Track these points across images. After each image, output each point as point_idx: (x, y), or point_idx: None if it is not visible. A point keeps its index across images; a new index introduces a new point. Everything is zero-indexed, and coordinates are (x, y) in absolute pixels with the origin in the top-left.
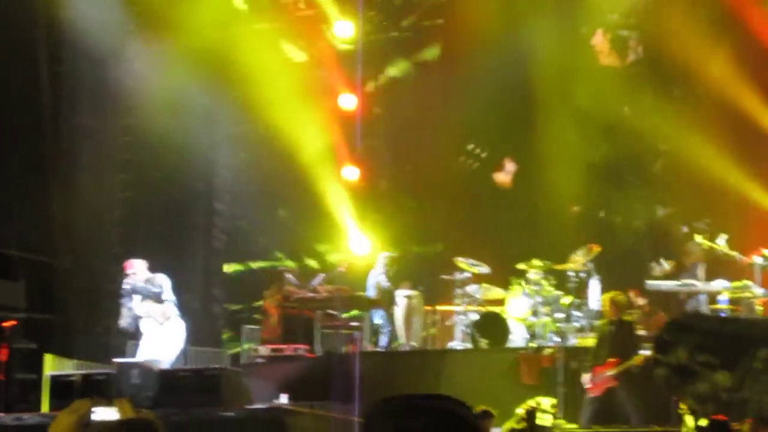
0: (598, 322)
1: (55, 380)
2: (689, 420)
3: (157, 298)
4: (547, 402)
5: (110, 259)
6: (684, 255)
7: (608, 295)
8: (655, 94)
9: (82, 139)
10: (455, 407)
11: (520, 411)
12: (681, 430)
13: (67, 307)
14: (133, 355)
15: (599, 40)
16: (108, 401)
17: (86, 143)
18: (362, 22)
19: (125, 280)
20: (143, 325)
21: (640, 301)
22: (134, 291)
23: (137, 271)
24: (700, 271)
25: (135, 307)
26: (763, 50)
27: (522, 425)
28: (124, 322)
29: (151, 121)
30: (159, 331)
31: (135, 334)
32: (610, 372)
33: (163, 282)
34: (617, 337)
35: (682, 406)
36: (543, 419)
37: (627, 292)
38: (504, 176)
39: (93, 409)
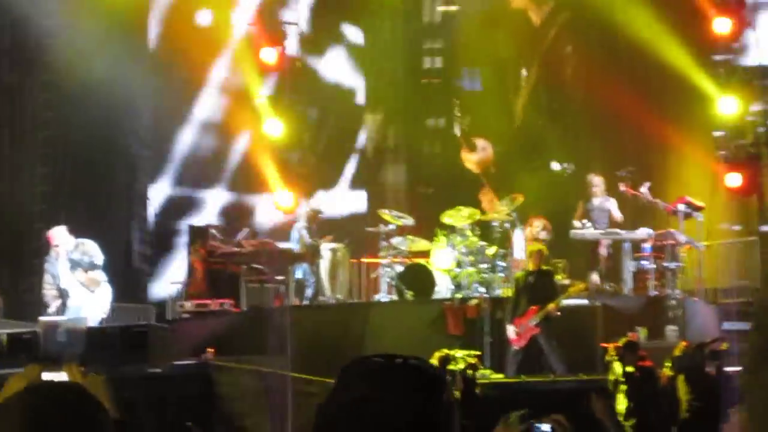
0: (516, 274)
1: None
2: (617, 367)
3: (89, 266)
4: (461, 353)
5: (33, 216)
6: (589, 189)
7: (536, 247)
8: (578, 41)
9: (1, 97)
10: (427, 367)
11: (433, 361)
12: (608, 378)
13: None
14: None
15: None
16: (57, 365)
17: (5, 101)
18: None
19: (52, 251)
20: (71, 291)
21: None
22: (72, 263)
23: (63, 240)
24: (612, 205)
25: (63, 276)
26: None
27: None
28: (48, 293)
29: (71, 76)
30: (88, 297)
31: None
32: (532, 321)
33: (93, 249)
34: (537, 287)
35: (611, 352)
36: (456, 366)
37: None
38: (481, 154)
39: (43, 373)
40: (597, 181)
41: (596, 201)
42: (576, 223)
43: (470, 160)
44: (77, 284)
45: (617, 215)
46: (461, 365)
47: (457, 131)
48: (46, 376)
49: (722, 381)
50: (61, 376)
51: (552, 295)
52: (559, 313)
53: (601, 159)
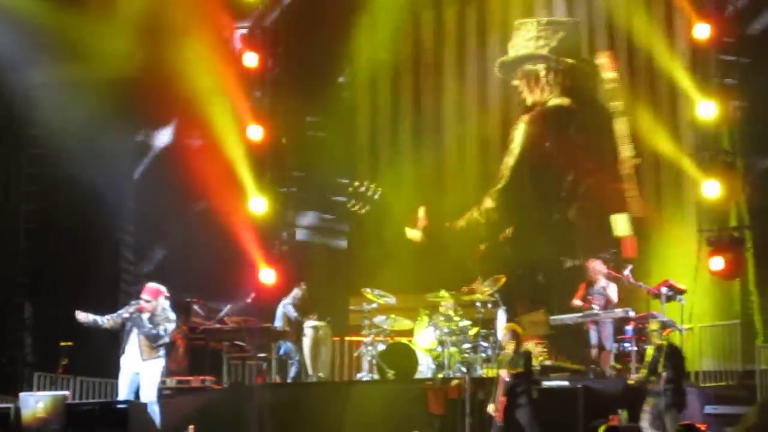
0: (499, 355)
1: None
2: None
3: (150, 338)
4: None
5: (15, 289)
6: (590, 273)
7: (507, 326)
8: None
9: None
10: None
11: None
12: None
13: None
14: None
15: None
16: None
17: None
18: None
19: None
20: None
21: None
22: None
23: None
24: (611, 290)
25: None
26: None
27: None
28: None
29: (56, 151)
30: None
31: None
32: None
33: (168, 326)
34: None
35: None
36: None
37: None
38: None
39: None
40: (600, 267)
41: (597, 285)
42: (576, 302)
43: (414, 235)
44: (136, 344)
45: (613, 299)
46: None
47: None
48: None
49: None
50: None
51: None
52: (507, 378)
53: (585, 241)
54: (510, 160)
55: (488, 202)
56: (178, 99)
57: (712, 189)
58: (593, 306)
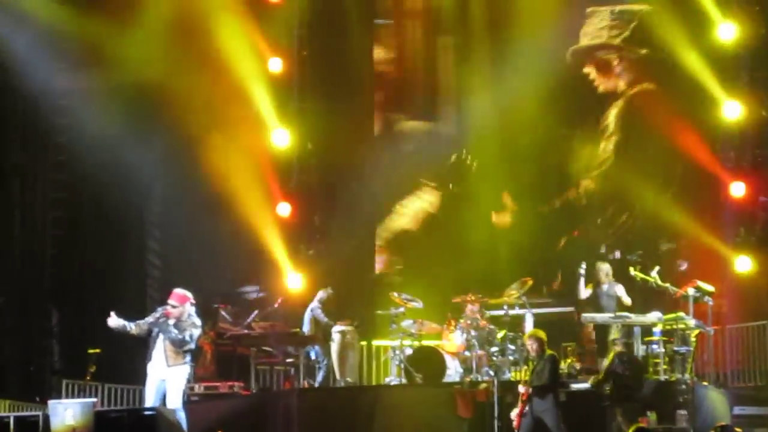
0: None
1: None
2: None
3: (176, 343)
4: None
5: (42, 296)
6: (597, 276)
7: (528, 334)
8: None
9: (13, 177)
10: None
11: None
12: None
13: None
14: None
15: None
16: None
17: (17, 181)
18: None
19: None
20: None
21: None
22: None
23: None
24: (620, 290)
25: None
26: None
27: None
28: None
29: (83, 158)
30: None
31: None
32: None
33: (194, 331)
34: (537, 372)
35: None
36: None
37: None
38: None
39: None
40: (605, 268)
41: (604, 287)
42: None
43: (502, 220)
44: (162, 350)
45: (626, 300)
46: None
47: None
48: None
49: None
50: None
51: (545, 379)
52: (522, 389)
53: (612, 242)
54: (609, 145)
55: (588, 183)
56: (203, 104)
57: (738, 189)
58: None
